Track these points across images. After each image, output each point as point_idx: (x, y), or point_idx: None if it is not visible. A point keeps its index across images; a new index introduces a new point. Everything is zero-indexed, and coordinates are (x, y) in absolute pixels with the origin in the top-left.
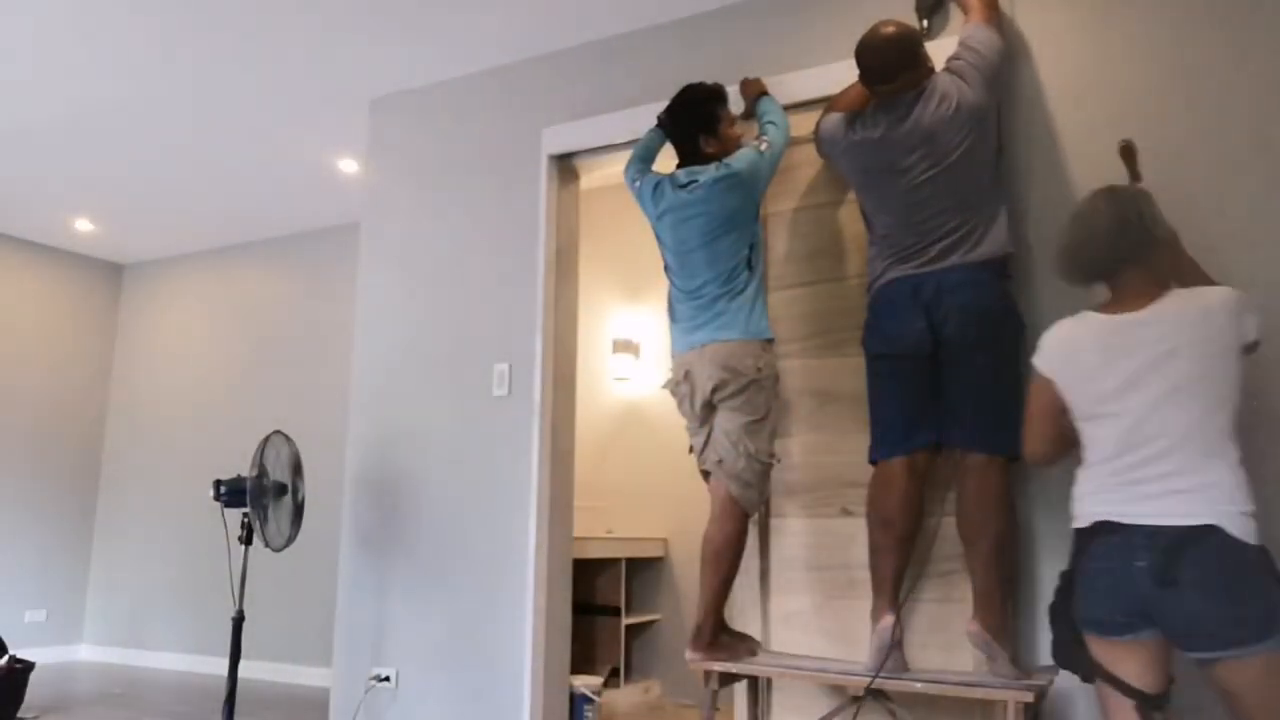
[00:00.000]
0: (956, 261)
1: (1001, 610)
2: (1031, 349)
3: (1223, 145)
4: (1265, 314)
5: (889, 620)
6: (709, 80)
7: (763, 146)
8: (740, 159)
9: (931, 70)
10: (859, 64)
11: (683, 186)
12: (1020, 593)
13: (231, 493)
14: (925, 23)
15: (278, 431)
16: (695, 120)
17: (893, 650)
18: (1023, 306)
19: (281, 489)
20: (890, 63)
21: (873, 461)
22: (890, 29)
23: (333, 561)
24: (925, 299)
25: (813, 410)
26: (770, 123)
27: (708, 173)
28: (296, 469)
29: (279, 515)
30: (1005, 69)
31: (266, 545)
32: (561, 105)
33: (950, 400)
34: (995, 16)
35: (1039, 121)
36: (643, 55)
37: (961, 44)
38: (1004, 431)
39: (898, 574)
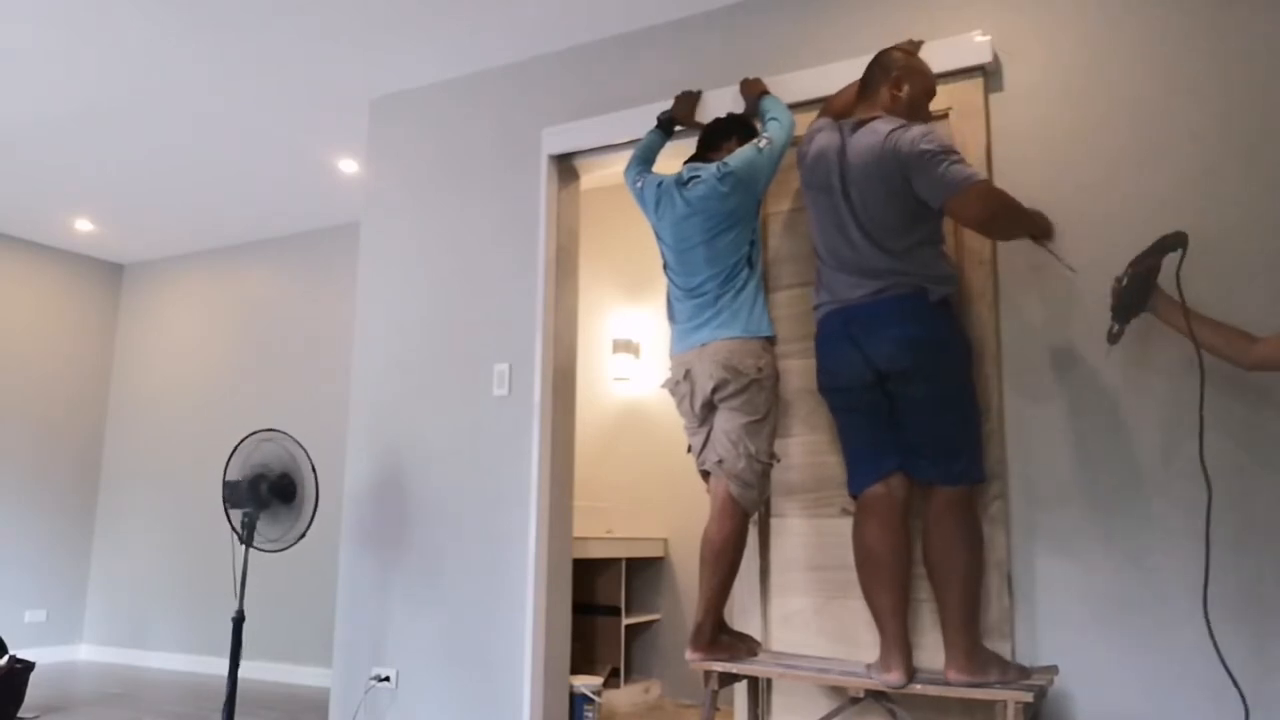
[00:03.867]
0: (883, 294)
1: (973, 639)
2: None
3: (1216, 146)
4: (1267, 310)
5: (896, 678)
6: (708, 80)
7: (762, 144)
8: (738, 158)
9: (897, 99)
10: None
11: (684, 184)
12: (1019, 592)
13: (239, 493)
14: (1116, 327)
15: (275, 429)
16: (733, 127)
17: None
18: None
19: (288, 487)
20: (866, 79)
21: (854, 496)
22: (891, 50)
23: (333, 561)
24: (854, 332)
25: (812, 410)
26: (773, 119)
27: (708, 170)
28: (296, 468)
29: (281, 515)
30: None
31: (269, 544)
32: (561, 105)
33: (904, 431)
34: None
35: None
36: (643, 55)
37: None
38: (959, 460)
39: (896, 612)
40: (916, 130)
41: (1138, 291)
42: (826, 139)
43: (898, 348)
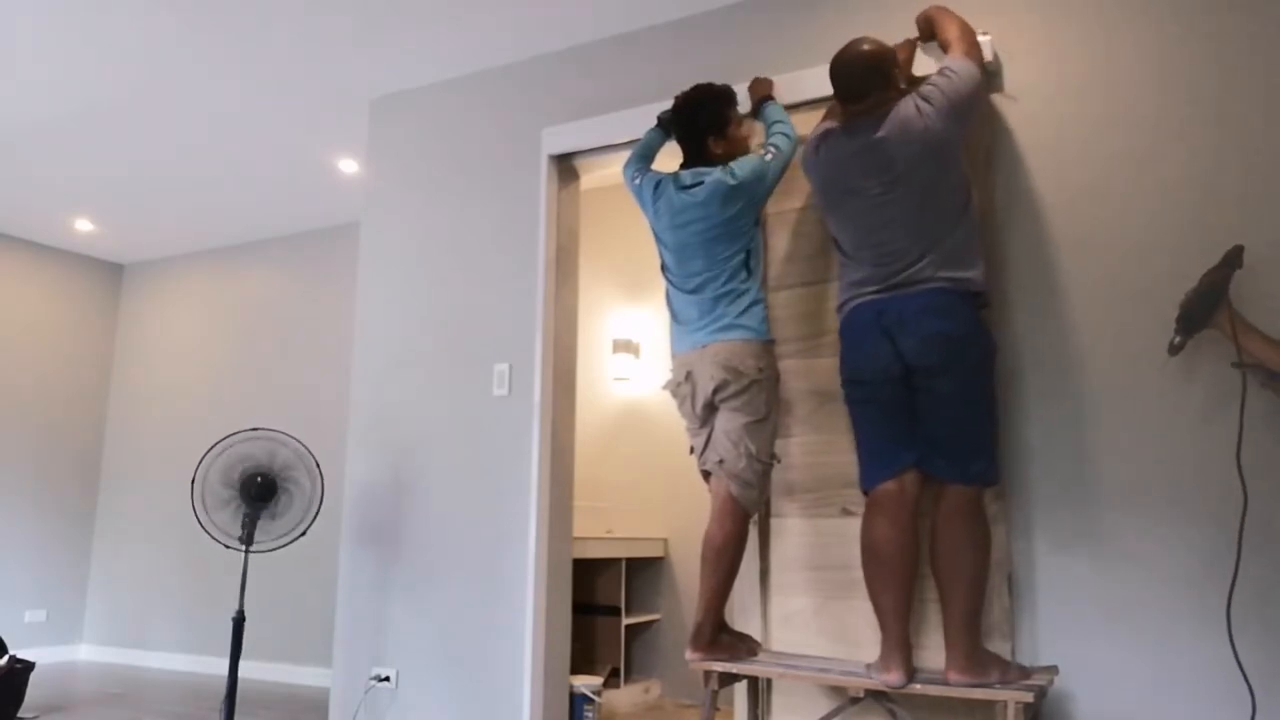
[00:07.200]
0: (919, 287)
1: (974, 640)
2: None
3: (1212, 155)
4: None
5: (896, 678)
6: (710, 80)
7: (769, 156)
8: (744, 166)
9: (903, 92)
10: (831, 79)
11: (686, 188)
12: (1020, 592)
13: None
14: (1178, 338)
15: (261, 428)
16: (704, 120)
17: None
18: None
19: (284, 485)
20: (860, 80)
21: (865, 492)
22: (866, 46)
23: (333, 561)
24: (887, 324)
25: (813, 410)
26: (779, 127)
27: (713, 175)
28: (295, 466)
29: (280, 514)
30: (981, 102)
31: (269, 543)
32: (561, 105)
33: (925, 427)
34: (976, 54)
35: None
36: (643, 55)
37: (939, 71)
38: (979, 460)
39: (900, 611)
40: (924, 89)
41: (1205, 305)
42: (841, 144)
43: (931, 342)
